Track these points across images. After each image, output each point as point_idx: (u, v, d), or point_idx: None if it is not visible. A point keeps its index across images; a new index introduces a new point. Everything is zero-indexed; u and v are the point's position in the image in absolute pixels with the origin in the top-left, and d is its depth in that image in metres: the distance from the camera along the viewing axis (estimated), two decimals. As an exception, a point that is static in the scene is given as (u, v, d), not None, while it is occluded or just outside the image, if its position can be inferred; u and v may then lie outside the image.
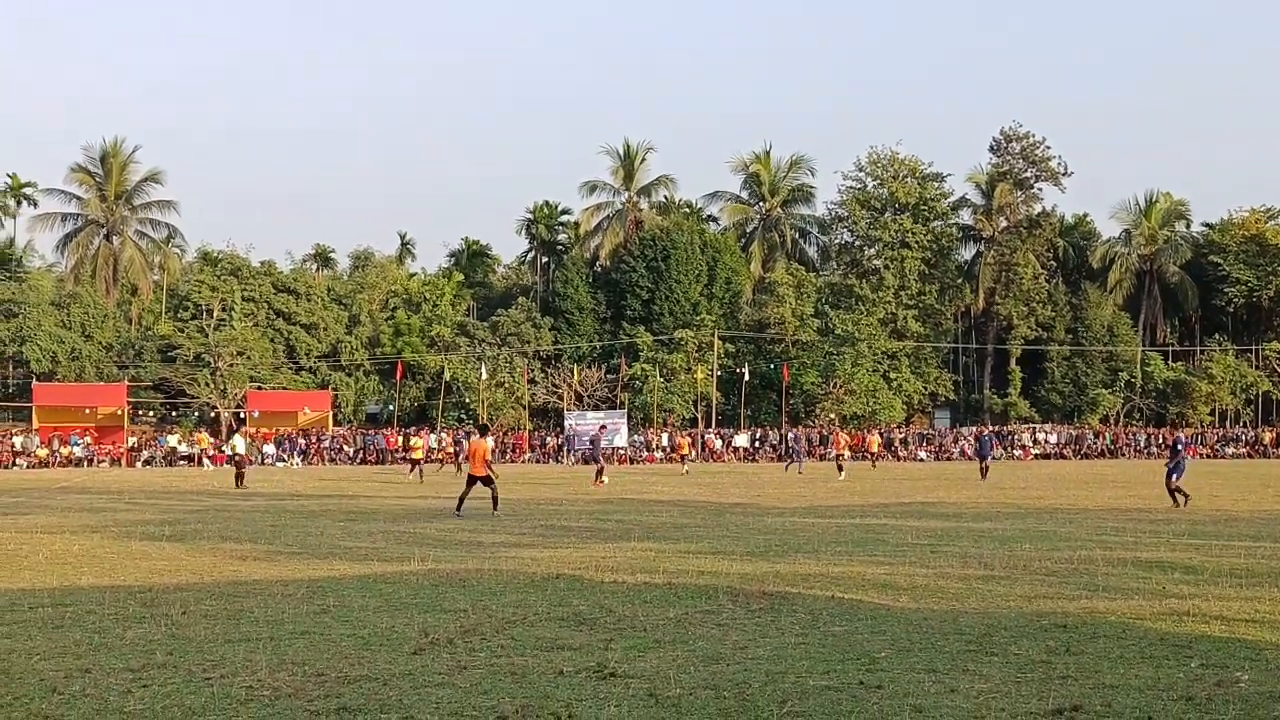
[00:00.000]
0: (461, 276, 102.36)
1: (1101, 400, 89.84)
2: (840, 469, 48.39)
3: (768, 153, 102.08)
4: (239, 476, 41.86)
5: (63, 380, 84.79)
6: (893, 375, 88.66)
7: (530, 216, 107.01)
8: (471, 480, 27.31)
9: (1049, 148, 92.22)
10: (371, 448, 76.57)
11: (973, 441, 70.54)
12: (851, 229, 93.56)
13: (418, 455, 50.71)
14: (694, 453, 69.37)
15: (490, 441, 30.31)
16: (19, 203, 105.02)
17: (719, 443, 78.18)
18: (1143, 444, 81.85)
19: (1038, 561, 16.46)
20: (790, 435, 68.78)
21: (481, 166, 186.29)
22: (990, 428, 78.48)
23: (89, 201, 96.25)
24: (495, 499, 26.80)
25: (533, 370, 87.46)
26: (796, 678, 8.99)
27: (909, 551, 17.94)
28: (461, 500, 27.07)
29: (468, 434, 63.04)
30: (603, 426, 66.18)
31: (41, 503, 32.29)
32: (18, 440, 72.48)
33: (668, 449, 77.66)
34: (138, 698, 8.50)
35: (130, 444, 74.29)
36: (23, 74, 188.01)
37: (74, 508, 29.18)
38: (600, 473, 42.34)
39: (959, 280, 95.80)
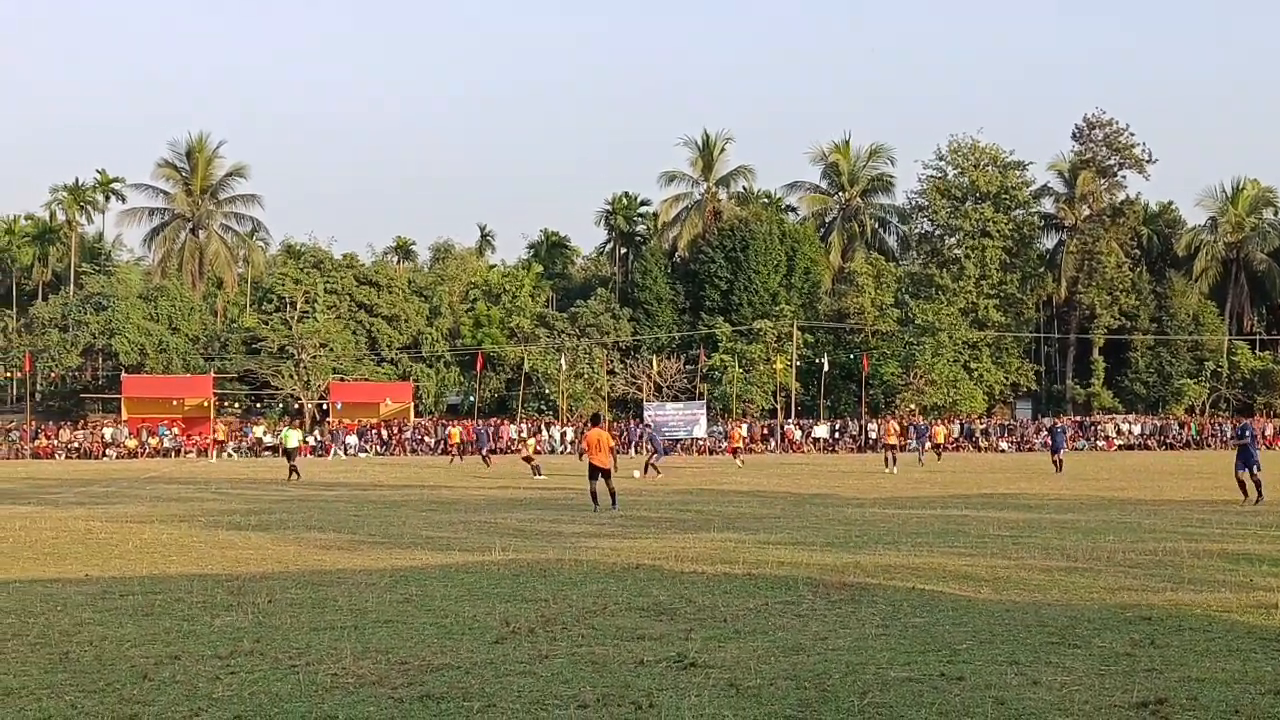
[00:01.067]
0: (541, 268, 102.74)
1: (1186, 390, 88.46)
2: (891, 460, 46.88)
3: (847, 142, 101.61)
4: (292, 469, 41.00)
5: (151, 372, 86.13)
6: (973, 365, 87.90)
7: (609, 208, 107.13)
8: (594, 472, 24.73)
9: (1133, 134, 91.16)
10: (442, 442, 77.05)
11: (1046, 433, 68.27)
12: (932, 218, 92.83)
13: (455, 442, 56.38)
14: (744, 444, 68.37)
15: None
16: (108, 198, 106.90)
17: (798, 433, 77.92)
18: (1229, 435, 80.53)
19: (1121, 553, 16.28)
20: (913, 426, 66.62)
21: (561, 158, 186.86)
22: (1063, 419, 77.39)
23: (175, 196, 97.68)
24: (613, 495, 24.90)
25: (612, 361, 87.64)
26: (877, 669, 8.97)
27: (990, 543, 17.81)
28: (594, 495, 24.76)
29: (585, 426, 63.45)
30: (647, 425, 65.98)
31: (131, 492, 32.87)
32: (108, 431, 73.74)
33: (747, 440, 77.63)
34: (225, 684, 8.64)
35: (216, 434, 75.30)
36: (112, 71, 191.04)
37: (162, 497, 29.67)
38: (648, 465, 41.12)
39: (1041, 269, 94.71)
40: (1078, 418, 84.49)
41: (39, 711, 7.86)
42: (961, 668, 8.99)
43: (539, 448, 53.69)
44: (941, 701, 7.92)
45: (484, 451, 53.43)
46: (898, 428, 55.68)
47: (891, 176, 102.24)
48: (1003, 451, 74.83)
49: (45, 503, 29.71)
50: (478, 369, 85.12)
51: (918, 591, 12.81)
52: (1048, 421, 75.56)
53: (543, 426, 78.89)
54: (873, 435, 78.21)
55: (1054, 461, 42.49)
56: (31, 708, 7.97)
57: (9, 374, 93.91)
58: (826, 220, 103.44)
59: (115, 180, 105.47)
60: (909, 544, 17.70)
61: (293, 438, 44.52)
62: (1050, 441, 45.43)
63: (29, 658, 9.66)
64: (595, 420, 28.23)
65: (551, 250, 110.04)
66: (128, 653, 9.85)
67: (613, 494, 24.86)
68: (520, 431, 75.37)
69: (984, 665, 9.08)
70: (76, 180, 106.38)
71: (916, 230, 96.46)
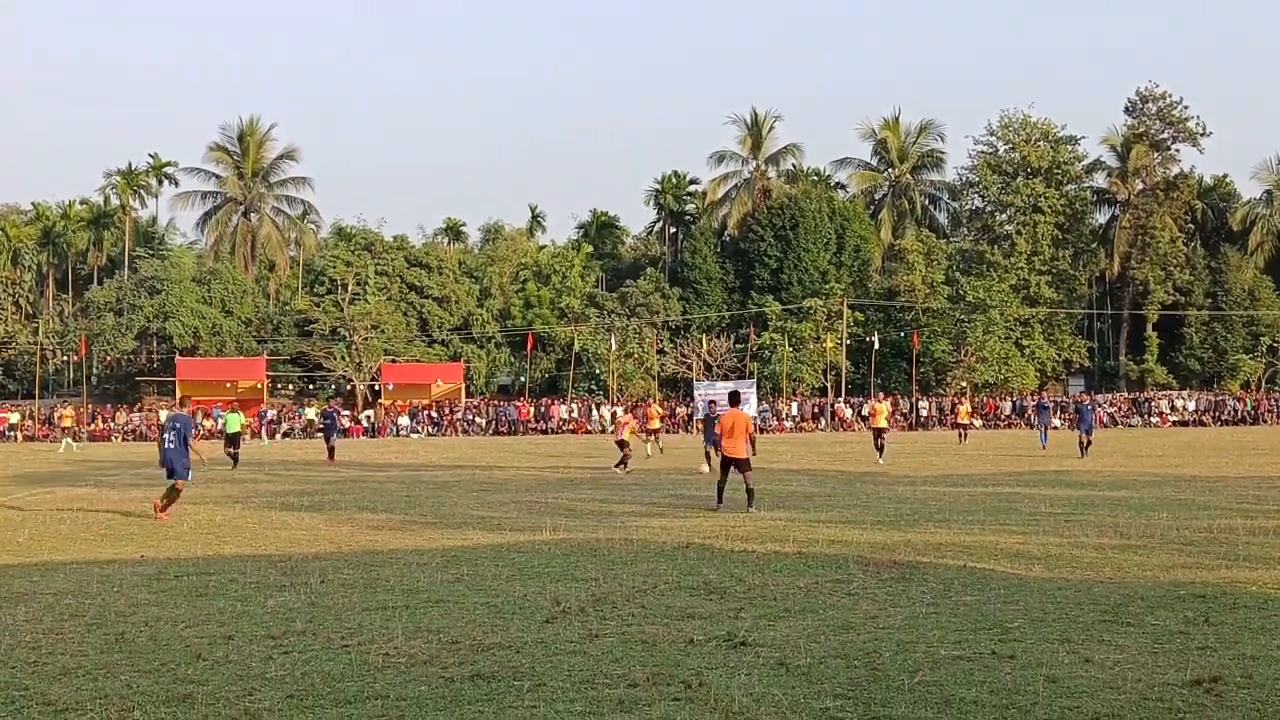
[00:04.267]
0: (590, 248, 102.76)
1: (1242, 366, 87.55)
2: (962, 437, 47.99)
3: (896, 118, 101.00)
4: (232, 456, 37.09)
5: (204, 355, 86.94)
6: (1025, 342, 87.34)
7: (658, 187, 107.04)
8: (727, 464, 20.45)
9: (1186, 108, 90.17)
10: (504, 419, 77.33)
11: (1072, 411, 63.80)
12: (982, 194, 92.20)
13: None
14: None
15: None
16: (161, 182, 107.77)
17: (849, 412, 77.67)
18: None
19: (1175, 530, 16.15)
20: (1035, 402, 64.00)
21: (610, 138, 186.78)
22: (1088, 396, 76.35)
23: (227, 179, 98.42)
24: (751, 493, 19.93)
25: (661, 341, 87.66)
26: (928, 647, 8.95)
27: (1042, 520, 17.71)
28: (720, 491, 20.67)
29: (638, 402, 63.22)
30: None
31: (222, 470, 33.17)
32: (163, 414, 74.40)
33: (797, 418, 77.50)
34: (279, 664, 8.72)
35: (269, 416, 75.92)
36: (164, 55, 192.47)
37: (216, 479, 29.90)
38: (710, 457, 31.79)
39: (1093, 245, 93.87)
40: (1131, 394, 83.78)
41: (95, 691, 7.96)
42: (1013, 646, 8.95)
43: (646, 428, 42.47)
44: (993, 680, 7.90)
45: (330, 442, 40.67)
46: (888, 409, 55.43)
47: (942, 152, 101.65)
48: (1055, 428, 74.21)
49: (102, 485, 30.05)
50: (528, 349, 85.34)
51: (969, 569, 12.76)
52: (1076, 397, 74.67)
53: (592, 406, 79.01)
54: (923, 413, 77.98)
55: (1080, 443, 37.29)
56: (88, 687, 8.07)
57: (66, 358, 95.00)
58: (876, 197, 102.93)
59: (168, 164, 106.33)
60: (960, 522, 17.63)
61: (234, 422, 39.68)
62: (1078, 418, 39.84)
63: (86, 638, 9.79)
64: (735, 400, 22.75)
65: (601, 230, 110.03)
66: (182, 633, 9.95)
67: (750, 493, 19.87)
68: (604, 410, 75.41)
69: (1035, 643, 9.04)
70: (130, 165, 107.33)
71: (967, 206, 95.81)
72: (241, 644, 9.46)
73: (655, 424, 42.95)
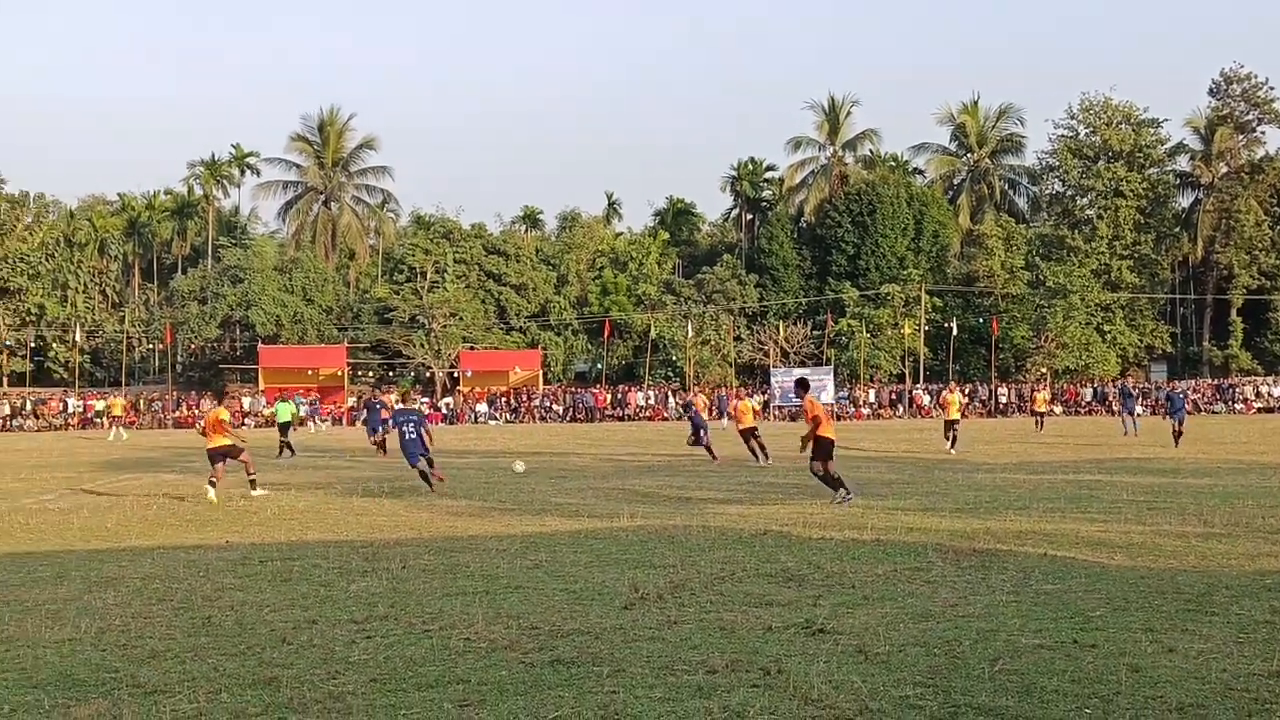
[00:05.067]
0: (667, 235, 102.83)
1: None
2: (1040, 424, 47.64)
3: (975, 102, 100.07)
4: (284, 445, 36.69)
5: (286, 343, 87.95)
6: (1106, 328, 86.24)
7: (735, 174, 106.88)
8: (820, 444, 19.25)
9: (1272, 88, 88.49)
10: (581, 406, 77.57)
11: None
12: (1063, 178, 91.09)
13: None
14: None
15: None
16: (243, 172, 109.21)
17: (927, 399, 77.17)
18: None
19: (1261, 519, 15.91)
20: (1119, 386, 62.39)
21: (686, 125, 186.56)
22: (1180, 382, 75.15)
23: (308, 169, 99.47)
24: (837, 484, 19.09)
25: (738, 327, 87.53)
26: (1008, 636, 8.89)
27: (1124, 508, 17.51)
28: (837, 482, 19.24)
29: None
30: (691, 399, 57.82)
31: (269, 460, 33.57)
32: (246, 401, 75.35)
33: (875, 405, 77.10)
34: (362, 648, 8.82)
35: (350, 404, 76.66)
36: (245, 47, 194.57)
37: (298, 465, 30.28)
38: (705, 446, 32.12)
39: (1176, 229, 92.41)
40: (1215, 380, 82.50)
41: (183, 674, 8.10)
42: (1095, 635, 8.88)
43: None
44: (1074, 669, 7.84)
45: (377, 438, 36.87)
46: (1046, 396, 54.80)
47: (1021, 137, 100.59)
48: (1137, 415, 73.23)
49: (187, 471, 30.50)
50: (605, 336, 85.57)
51: (1049, 558, 12.65)
52: (1167, 385, 73.52)
53: (669, 393, 79.06)
54: (1002, 400, 77.30)
55: (1174, 432, 35.70)
56: (176, 670, 8.22)
57: (151, 346, 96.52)
58: (955, 182, 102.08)
59: (250, 155, 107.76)
60: (1040, 509, 17.47)
61: (285, 411, 39.27)
62: (1169, 407, 37.68)
63: (173, 622, 9.96)
64: (803, 386, 21.85)
65: (678, 217, 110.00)
66: (267, 617, 10.10)
67: (836, 483, 19.08)
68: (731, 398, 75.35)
69: (1118, 633, 8.96)
70: (213, 155, 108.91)
71: (1047, 191, 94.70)
72: (325, 628, 9.58)
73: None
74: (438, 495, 21.71)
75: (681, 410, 35.56)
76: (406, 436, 22.91)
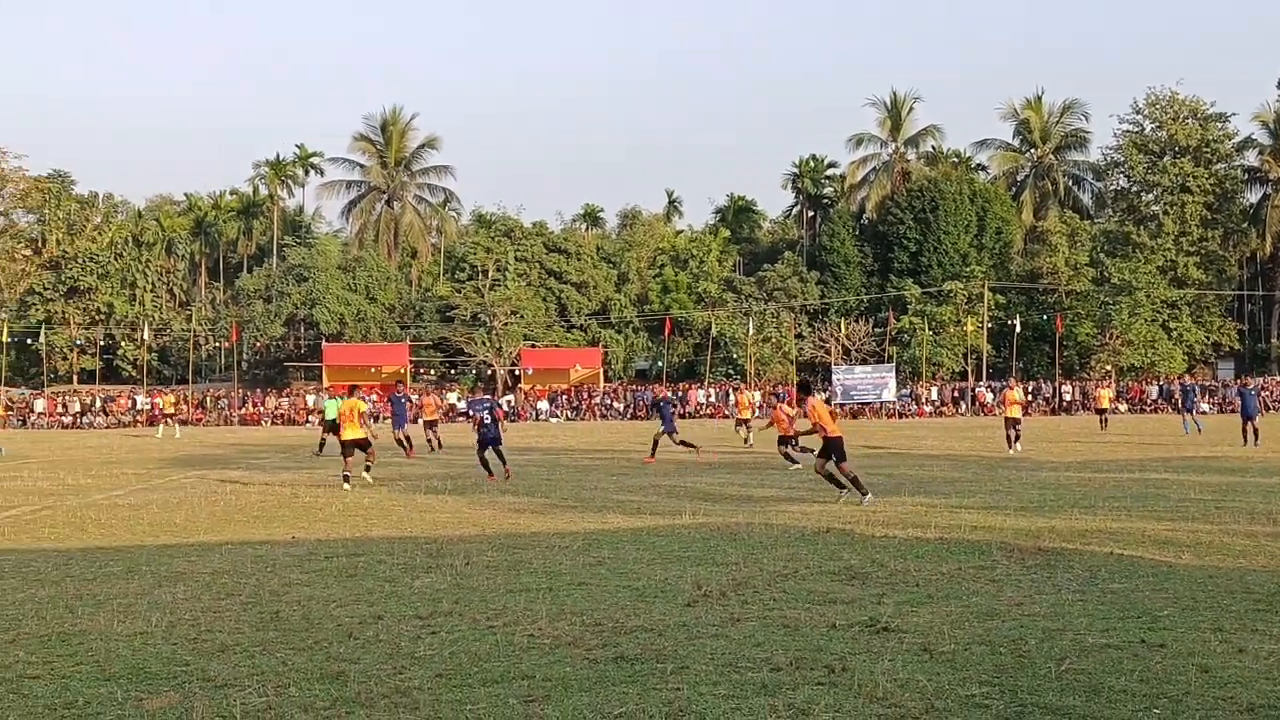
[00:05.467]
0: (728, 232, 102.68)
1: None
2: (1104, 423, 47.14)
3: (1039, 98, 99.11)
4: (322, 442, 36.21)
5: (349, 341, 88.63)
6: (1172, 325, 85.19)
7: (796, 171, 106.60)
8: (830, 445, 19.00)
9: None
10: (641, 403, 77.65)
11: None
12: (1128, 174, 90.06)
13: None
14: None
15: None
16: (307, 172, 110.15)
17: (990, 396, 76.60)
18: None
19: (1332, 518, 15.71)
20: (1180, 385, 61.54)
21: (747, 122, 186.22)
22: (1251, 379, 73.88)
23: (371, 169, 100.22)
24: (856, 484, 18.93)
25: (799, 325, 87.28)
26: (1074, 635, 8.83)
27: (1191, 507, 17.32)
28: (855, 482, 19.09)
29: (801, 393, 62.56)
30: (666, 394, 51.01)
31: (333, 457, 33.83)
32: (311, 398, 76.05)
33: (938, 403, 76.65)
34: (427, 644, 8.89)
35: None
36: (309, 47, 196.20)
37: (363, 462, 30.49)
38: (678, 442, 32.00)
39: (1244, 225, 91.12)
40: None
41: (252, 667, 8.20)
42: (1163, 635, 8.80)
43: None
44: (1142, 669, 7.78)
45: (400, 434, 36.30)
46: (1110, 394, 54.10)
47: (1086, 132, 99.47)
48: (1203, 413, 72.45)
49: (253, 468, 30.84)
50: (665, 334, 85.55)
51: (1115, 557, 12.55)
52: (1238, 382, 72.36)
53: (730, 391, 78.97)
54: (1065, 397, 76.65)
55: (1244, 430, 34.44)
56: (245, 664, 8.33)
57: (218, 344, 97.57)
58: (1018, 178, 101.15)
59: (314, 155, 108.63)
60: (1106, 508, 17.32)
61: (332, 408, 37.21)
62: (1243, 405, 35.90)
63: (242, 616, 10.08)
64: (804, 390, 21.45)
65: (738, 214, 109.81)
66: (333, 612, 10.20)
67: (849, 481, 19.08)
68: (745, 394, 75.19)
69: (1186, 632, 8.88)
70: (278, 156, 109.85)
71: (1112, 187, 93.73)
72: (391, 623, 9.67)
73: (745, 414, 41.30)
74: (499, 492, 21.83)
75: (650, 407, 34.29)
76: (484, 424, 24.54)
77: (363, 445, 23.86)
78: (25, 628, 9.71)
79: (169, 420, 58.73)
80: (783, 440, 29.32)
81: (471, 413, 25.83)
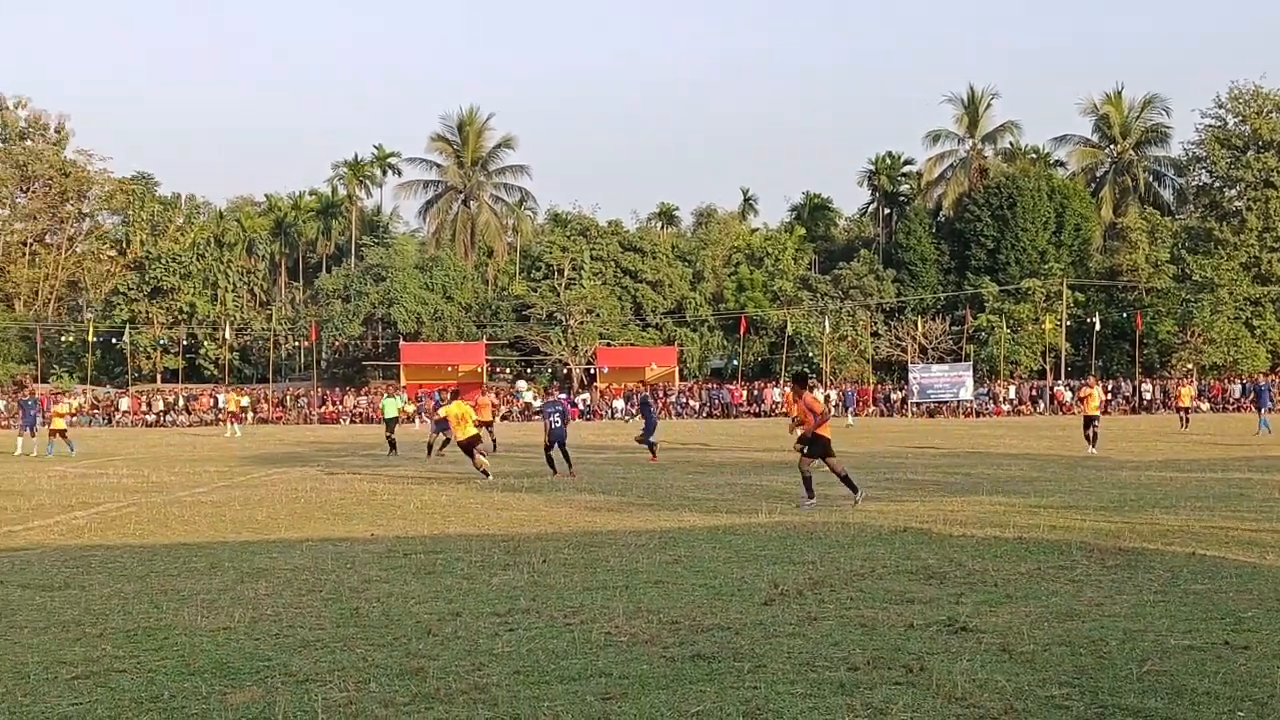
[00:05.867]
0: (803, 230, 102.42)
1: None
2: (1185, 422, 46.48)
3: (1119, 93, 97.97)
4: (390, 443, 36.86)
5: (426, 340, 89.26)
6: (1256, 323, 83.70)
7: (872, 168, 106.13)
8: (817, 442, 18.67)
9: None
10: (717, 402, 77.59)
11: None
12: (1210, 170, 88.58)
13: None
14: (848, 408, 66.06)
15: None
16: (385, 172, 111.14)
17: (1068, 395, 75.80)
18: None
19: None
20: (1255, 385, 60.39)
21: (823, 120, 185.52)
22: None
23: (448, 169, 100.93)
24: (848, 483, 18.68)
25: (875, 323, 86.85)
26: (1156, 636, 8.73)
27: (1276, 506, 17.05)
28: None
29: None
30: (650, 390, 51.99)
31: (411, 455, 34.10)
32: (399, 399, 76.65)
33: (1015, 401, 76.02)
34: (505, 641, 8.94)
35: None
36: (387, 50, 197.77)
37: (440, 460, 30.69)
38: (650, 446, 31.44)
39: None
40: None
41: (333, 663, 8.29)
42: (1247, 636, 8.68)
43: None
44: (1226, 671, 7.68)
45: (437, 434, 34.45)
46: (1190, 391, 53.15)
47: (1167, 127, 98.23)
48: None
49: (332, 466, 31.13)
50: (741, 332, 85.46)
51: (1198, 557, 12.39)
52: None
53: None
54: (1146, 396, 75.69)
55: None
56: (326, 659, 8.42)
57: (297, 343, 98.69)
58: (1097, 174, 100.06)
59: (392, 155, 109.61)
60: (1188, 508, 17.10)
61: (391, 407, 39.41)
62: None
63: (322, 612, 10.19)
64: (800, 383, 20.18)
65: (814, 212, 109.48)
66: (412, 609, 10.28)
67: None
68: (819, 392, 74.93)
69: (1272, 634, 8.75)
70: (356, 156, 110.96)
71: (1194, 183, 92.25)
72: (469, 620, 9.73)
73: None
74: (575, 490, 21.91)
75: (638, 407, 33.18)
76: (553, 425, 25.36)
77: (475, 443, 25.47)
78: (112, 622, 9.88)
79: (232, 420, 59.33)
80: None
81: (545, 414, 26.26)
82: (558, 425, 25.48)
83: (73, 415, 64.81)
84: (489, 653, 8.54)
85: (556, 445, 25.38)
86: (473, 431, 25.70)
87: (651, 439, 31.28)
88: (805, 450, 18.62)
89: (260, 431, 60.77)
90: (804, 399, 19.14)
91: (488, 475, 24.44)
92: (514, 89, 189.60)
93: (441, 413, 38.46)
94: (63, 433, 39.12)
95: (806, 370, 34.55)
